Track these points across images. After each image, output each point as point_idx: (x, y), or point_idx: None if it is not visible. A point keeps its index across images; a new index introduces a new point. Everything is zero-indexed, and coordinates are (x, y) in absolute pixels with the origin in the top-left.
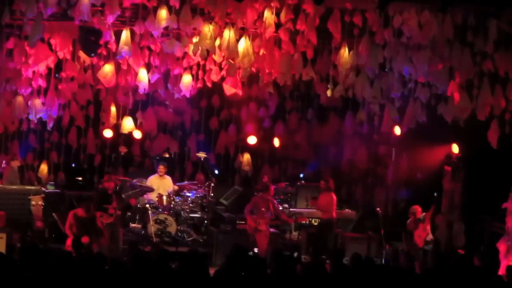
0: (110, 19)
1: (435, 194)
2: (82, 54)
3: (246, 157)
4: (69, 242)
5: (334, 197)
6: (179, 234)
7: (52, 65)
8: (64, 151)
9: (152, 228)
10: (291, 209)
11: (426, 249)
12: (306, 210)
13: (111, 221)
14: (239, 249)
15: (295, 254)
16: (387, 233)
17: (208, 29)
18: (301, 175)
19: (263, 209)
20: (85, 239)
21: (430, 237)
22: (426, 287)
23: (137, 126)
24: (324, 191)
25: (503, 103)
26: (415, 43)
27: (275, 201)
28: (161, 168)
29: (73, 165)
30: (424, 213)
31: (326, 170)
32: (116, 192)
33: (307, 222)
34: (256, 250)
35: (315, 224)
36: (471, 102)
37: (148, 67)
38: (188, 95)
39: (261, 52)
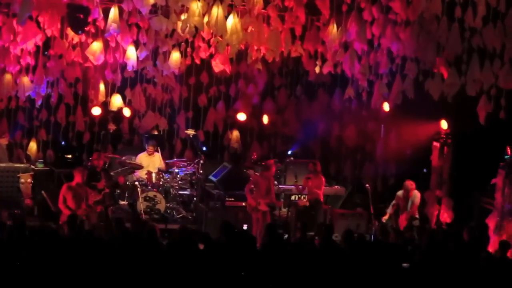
0: None
1: (424, 170)
2: (70, 32)
3: (235, 134)
4: (63, 218)
5: (323, 179)
6: (168, 212)
7: (40, 43)
8: (53, 129)
9: (141, 205)
10: (280, 186)
11: (414, 224)
12: (295, 186)
13: (100, 199)
14: (228, 225)
15: (285, 236)
16: (376, 209)
17: (196, 6)
18: (289, 152)
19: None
20: (81, 212)
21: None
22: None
23: (126, 103)
24: (312, 173)
25: (492, 79)
26: (403, 19)
27: (274, 181)
28: (150, 148)
29: (63, 143)
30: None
31: (315, 146)
32: (105, 170)
33: (296, 199)
34: (245, 227)
35: (304, 200)
36: (459, 78)
37: (137, 45)
38: (177, 72)
39: (250, 29)
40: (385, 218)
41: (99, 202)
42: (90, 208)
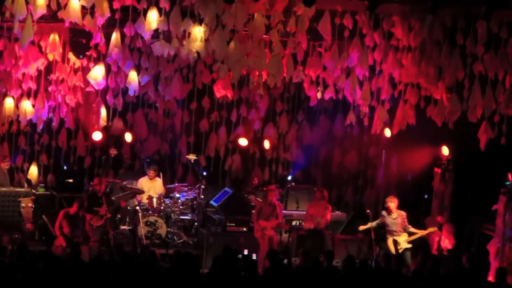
0: (100, 21)
1: (425, 195)
2: (72, 56)
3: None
4: (57, 242)
5: (329, 207)
6: (169, 236)
7: (42, 67)
8: (54, 153)
9: (142, 230)
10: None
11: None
12: (296, 212)
13: (101, 224)
14: (229, 250)
15: (285, 261)
16: (377, 235)
17: (198, 31)
18: (289, 177)
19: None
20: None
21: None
22: None
23: (127, 128)
24: (318, 200)
25: (493, 105)
26: (405, 45)
27: (281, 205)
28: (151, 172)
29: (65, 167)
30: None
31: (317, 172)
32: (106, 195)
33: (298, 225)
34: (246, 252)
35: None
36: (461, 104)
37: (138, 69)
38: (178, 97)
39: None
40: (364, 227)
41: (100, 227)
42: (87, 238)
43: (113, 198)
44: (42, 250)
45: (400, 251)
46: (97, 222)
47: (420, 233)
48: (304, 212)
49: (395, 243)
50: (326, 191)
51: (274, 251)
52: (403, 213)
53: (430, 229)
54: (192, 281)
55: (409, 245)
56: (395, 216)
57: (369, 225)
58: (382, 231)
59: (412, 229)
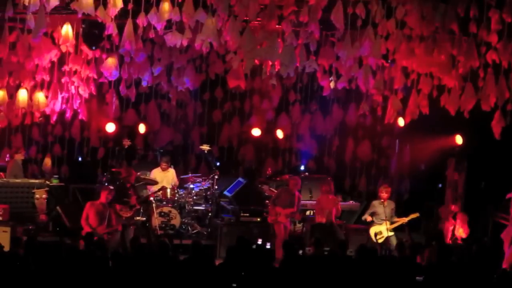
0: (113, 12)
1: (439, 185)
2: (85, 47)
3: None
4: (83, 233)
5: (338, 199)
6: (183, 227)
7: (55, 59)
8: (67, 144)
9: (156, 221)
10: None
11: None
12: (310, 202)
13: (131, 215)
14: (243, 241)
15: (300, 252)
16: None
17: (211, 21)
18: (302, 167)
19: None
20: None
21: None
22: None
23: (141, 119)
24: (326, 193)
25: (507, 94)
26: (417, 34)
27: (301, 196)
28: (163, 164)
29: (79, 158)
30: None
31: (330, 162)
32: (133, 186)
33: (312, 214)
34: (260, 241)
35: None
36: (475, 93)
37: (151, 60)
38: (191, 88)
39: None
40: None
41: (129, 218)
42: (112, 228)
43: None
44: (55, 241)
45: (381, 240)
46: (127, 213)
47: (401, 220)
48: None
49: (376, 234)
50: (332, 183)
51: (289, 242)
52: (393, 203)
53: (412, 216)
54: (207, 271)
55: (392, 233)
56: (386, 205)
57: (400, 220)
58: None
59: (395, 219)
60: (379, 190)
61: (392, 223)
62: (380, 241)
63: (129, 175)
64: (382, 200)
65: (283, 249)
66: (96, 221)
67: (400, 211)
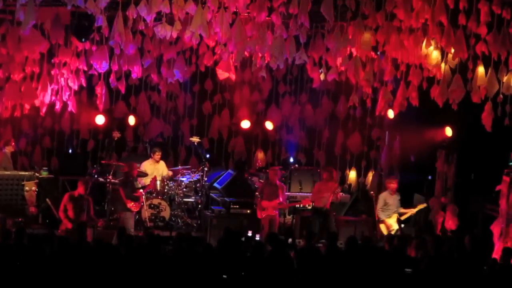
0: (103, 4)
1: (429, 177)
2: (74, 39)
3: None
4: (62, 226)
5: (339, 188)
6: (173, 219)
7: (44, 51)
8: (57, 136)
9: (146, 213)
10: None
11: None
12: (300, 194)
13: (137, 210)
14: (231, 232)
15: (289, 240)
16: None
17: (200, 13)
18: (291, 159)
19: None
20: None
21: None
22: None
23: (130, 111)
24: (326, 181)
25: (496, 86)
26: (407, 26)
27: (284, 186)
28: (157, 154)
29: (70, 151)
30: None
31: (320, 154)
32: (136, 180)
33: (301, 206)
34: (250, 233)
35: (309, 208)
36: (464, 85)
37: (141, 52)
38: (181, 80)
39: (254, 36)
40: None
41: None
42: (92, 221)
43: (117, 181)
44: (45, 233)
45: (393, 232)
46: (136, 208)
47: (410, 211)
48: (307, 194)
49: (388, 228)
50: (335, 171)
51: (274, 234)
52: (399, 194)
53: (420, 206)
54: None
55: (402, 225)
56: (394, 196)
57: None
58: (386, 213)
59: (402, 210)
60: (387, 181)
61: (400, 214)
62: (393, 233)
63: (131, 169)
64: (391, 192)
65: (269, 242)
66: (74, 213)
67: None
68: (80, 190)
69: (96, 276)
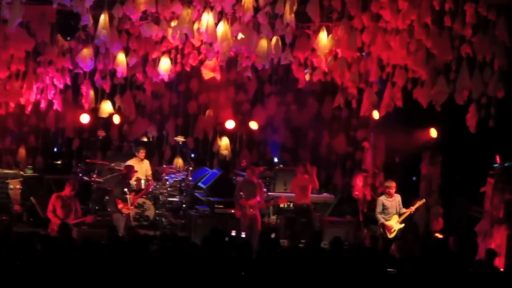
0: (89, 2)
1: (414, 178)
2: (60, 38)
3: (225, 141)
4: (51, 226)
5: (314, 180)
6: (158, 218)
7: (30, 49)
8: (42, 135)
9: (131, 212)
10: (269, 193)
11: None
12: (285, 194)
13: (128, 212)
14: (217, 232)
15: (273, 235)
16: (365, 218)
17: (186, 12)
18: (276, 159)
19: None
20: (89, 219)
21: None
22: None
23: (116, 110)
24: (301, 175)
25: (481, 88)
26: (393, 27)
27: (262, 184)
28: (141, 152)
29: (55, 149)
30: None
31: (305, 155)
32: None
33: (286, 206)
34: (233, 233)
35: (291, 206)
36: (448, 86)
37: (127, 51)
38: (166, 79)
39: (240, 36)
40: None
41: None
42: (80, 219)
43: (101, 179)
44: (30, 232)
45: (393, 234)
46: (126, 210)
47: (409, 210)
48: (292, 194)
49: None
50: (309, 165)
51: (265, 234)
52: (398, 196)
53: (418, 203)
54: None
55: (402, 225)
56: (393, 199)
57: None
58: (371, 213)
59: (403, 210)
60: (384, 186)
61: (400, 215)
62: (392, 236)
63: (129, 172)
64: (389, 195)
65: (259, 240)
66: (63, 212)
67: (374, 205)
68: (67, 191)
69: (82, 276)
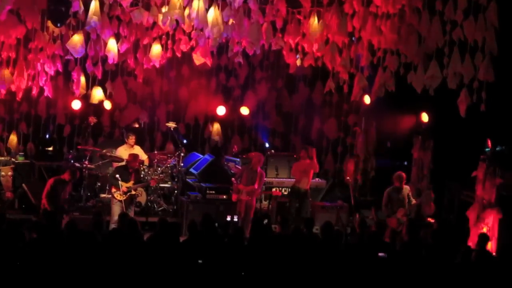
0: None
1: (405, 163)
2: (51, 24)
3: (216, 127)
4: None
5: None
6: (149, 204)
7: (21, 36)
8: (33, 121)
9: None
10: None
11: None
12: (276, 179)
13: (125, 198)
14: (208, 218)
15: (265, 221)
16: (356, 202)
17: None
18: (267, 145)
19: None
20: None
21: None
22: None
23: (107, 96)
24: (303, 160)
25: (472, 72)
26: (384, 12)
27: (264, 174)
28: (131, 138)
29: (47, 136)
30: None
31: (296, 140)
32: (137, 171)
33: (281, 195)
34: (229, 218)
35: (286, 193)
36: (441, 71)
37: (117, 37)
38: (157, 65)
39: (231, 21)
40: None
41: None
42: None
43: (93, 166)
44: (22, 219)
45: (401, 227)
46: (120, 196)
47: (416, 201)
48: (283, 179)
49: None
50: (310, 149)
51: (257, 220)
52: (407, 188)
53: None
54: (173, 249)
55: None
56: (402, 192)
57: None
58: (362, 198)
59: (414, 201)
60: (394, 179)
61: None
62: (400, 228)
63: (134, 160)
64: (396, 187)
65: (252, 226)
66: (58, 196)
67: (365, 189)
68: (66, 176)
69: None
